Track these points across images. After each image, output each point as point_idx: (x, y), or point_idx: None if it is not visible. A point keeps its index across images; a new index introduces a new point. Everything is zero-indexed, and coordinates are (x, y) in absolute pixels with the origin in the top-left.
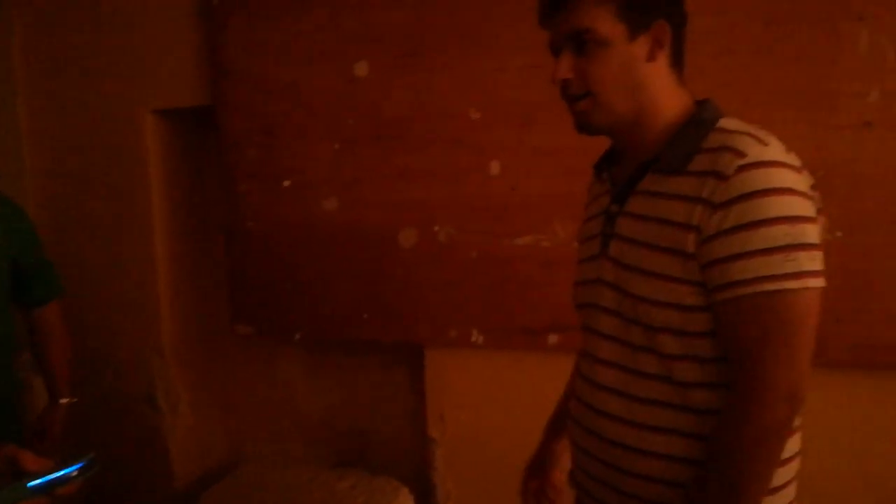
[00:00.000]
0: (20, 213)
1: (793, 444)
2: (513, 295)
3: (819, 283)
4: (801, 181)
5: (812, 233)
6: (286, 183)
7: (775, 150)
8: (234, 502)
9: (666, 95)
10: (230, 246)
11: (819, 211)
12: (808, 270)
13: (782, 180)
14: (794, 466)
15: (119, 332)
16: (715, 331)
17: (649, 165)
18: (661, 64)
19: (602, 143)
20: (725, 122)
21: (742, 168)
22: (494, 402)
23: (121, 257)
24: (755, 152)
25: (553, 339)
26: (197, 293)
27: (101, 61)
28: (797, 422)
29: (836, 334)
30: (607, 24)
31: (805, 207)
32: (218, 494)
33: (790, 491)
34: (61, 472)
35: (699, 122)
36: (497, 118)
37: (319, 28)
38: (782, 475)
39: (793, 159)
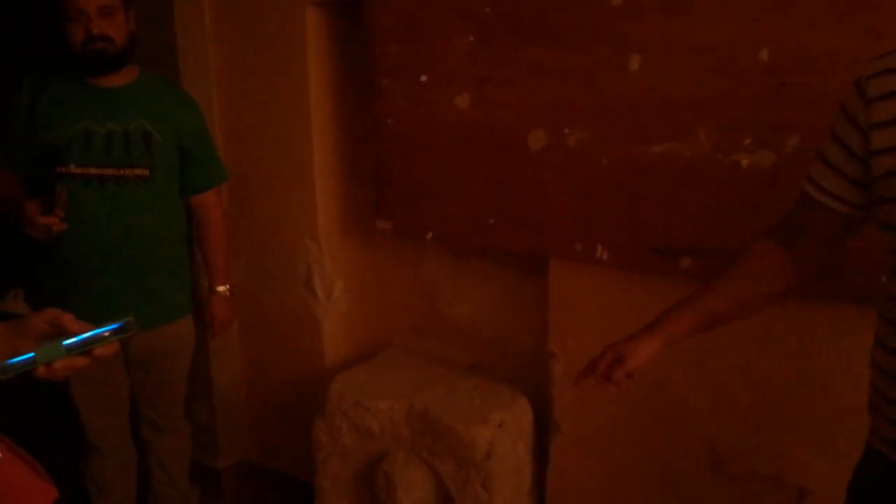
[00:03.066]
0: (190, 104)
1: None
2: (644, 209)
3: None
4: None
5: None
6: (423, 78)
7: None
8: (362, 382)
9: None
10: (374, 141)
11: None
12: None
13: None
14: None
15: (281, 219)
16: None
17: None
18: None
19: None
20: None
21: None
22: (618, 324)
23: (282, 145)
24: None
25: (686, 262)
26: (348, 185)
27: None
28: None
29: None
30: None
31: None
32: (351, 374)
33: None
34: (94, 332)
35: None
36: (642, 5)
37: None
38: None
39: None
